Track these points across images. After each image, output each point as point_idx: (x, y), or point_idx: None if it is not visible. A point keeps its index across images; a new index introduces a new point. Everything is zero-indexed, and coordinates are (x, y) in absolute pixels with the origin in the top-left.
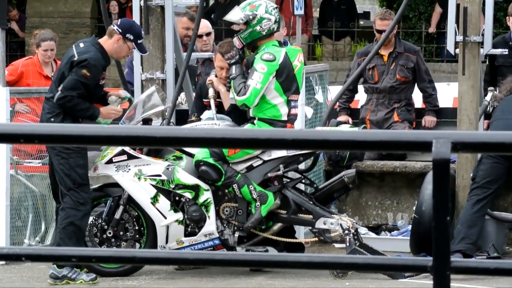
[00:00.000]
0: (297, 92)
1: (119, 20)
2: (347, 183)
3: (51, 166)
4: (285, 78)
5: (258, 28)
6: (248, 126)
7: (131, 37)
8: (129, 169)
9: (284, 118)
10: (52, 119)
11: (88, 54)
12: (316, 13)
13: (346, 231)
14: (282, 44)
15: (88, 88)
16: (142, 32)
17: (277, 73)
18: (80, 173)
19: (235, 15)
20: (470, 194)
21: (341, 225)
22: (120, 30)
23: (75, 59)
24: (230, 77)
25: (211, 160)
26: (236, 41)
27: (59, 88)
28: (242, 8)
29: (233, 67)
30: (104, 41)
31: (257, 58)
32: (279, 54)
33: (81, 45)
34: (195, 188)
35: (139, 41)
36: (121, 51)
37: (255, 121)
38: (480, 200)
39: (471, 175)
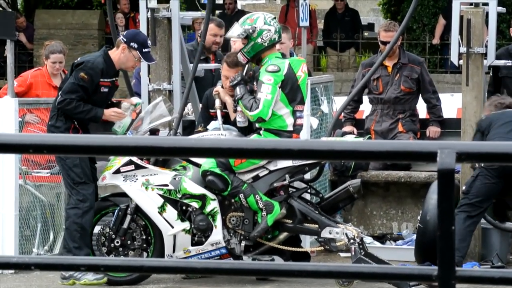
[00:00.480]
0: (302, 102)
1: (130, 30)
2: (352, 192)
3: None
4: (290, 89)
5: (259, 40)
6: (254, 136)
7: (135, 46)
8: (137, 179)
9: (290, 128)
10: (50, 123)
11: (87, 58)
12: (320, 25)
13: (352, 240)
14: (285, 55)
15: (87, 92)
16: (149, 42)
17: (282, 84)
18: (77, 172)
19: (235, 31)
20: (461, 209)
21: (346, 234)
22: (125, 39)
23: (75, 61)
24: (236, 98)
25: (217, 170)
26: (240, 56)
27: (60, 93)
28: (241, 23)
29: (237, 88)
30: (113, 51)
31: (262, 70)
32: (283, 65)
33: (89, 54)
34: (202, 198)
35: (144, 50)
36: (127, 60)
37: (261, 132)
38: (471, 216)
39: (464, 188)
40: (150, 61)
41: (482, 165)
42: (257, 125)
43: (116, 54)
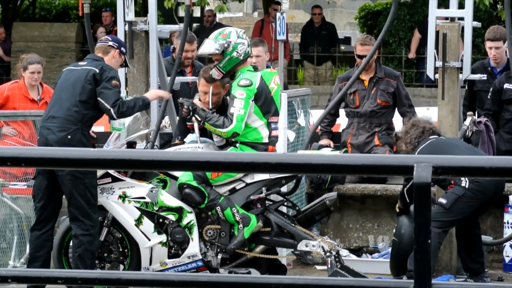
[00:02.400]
0: (276, 114)
1: (108, 36)
2: (328, 205)
3: (48, 189)
4: (264, 101)
5: (235, 54)
6: (230, 149)
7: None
8: (114, 192)
9: (265, 140)
10: (69, 136)
11: (104, 66)
12: (297, 38)
13: (328, 253)
14: (257, 69)
15: None
16: None
17: (255, 97)
18: (94, 193)
19: (209, 47)
20: (438, 224)
21: (322, 247)
22: (116, 45)
23: (97, 71)
24: (201, 123)
25: (194, 183)
26: (215, 72)
27: (110, 106)
28: (214, 39)
29: (195, 116)
30: (106, 58)
31: (234, 85)
32: (255, 79)
33: (83, 63)
34: (179, 211)
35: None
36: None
37: (237, 145)
38: (445, 232)
39: (444, 202)
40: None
41: (467, 185)
42: (232, 139)
43: (107, 59)
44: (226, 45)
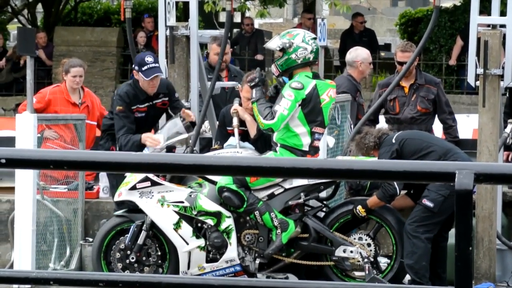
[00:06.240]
0: (322, 125)
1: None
2: None
3: None
4: (311, 109)
5: (293, 56)
6: (270, 154)
7: (136, 68)
8: (153, 196)
9: (305, 148)
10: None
11: (119, 90)
12: (336, 44)
13: (366, 259)
14: (317, 76)
15: (131, 119)
16: (147, 59)
17: (302, 102)
18: None
19: (273, 42)
20: (426, 228)
21: (360, 253)
22: (134, 66)
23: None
24: (251, 100)
25: (234, 187)
26: (273, 68)
27: (118, 135)
28: (281, 36)
29: (254, 90)
30: None
31: (286, 85)
32: (308, 84)
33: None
34: (217, 215)
35: (143, 68)
36: (142, 84)
37: (277, 148)
38: (432, 235)
39: (431, 205)
40: (147, 76)
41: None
42: (274, 138)
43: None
44: (288, 45)
